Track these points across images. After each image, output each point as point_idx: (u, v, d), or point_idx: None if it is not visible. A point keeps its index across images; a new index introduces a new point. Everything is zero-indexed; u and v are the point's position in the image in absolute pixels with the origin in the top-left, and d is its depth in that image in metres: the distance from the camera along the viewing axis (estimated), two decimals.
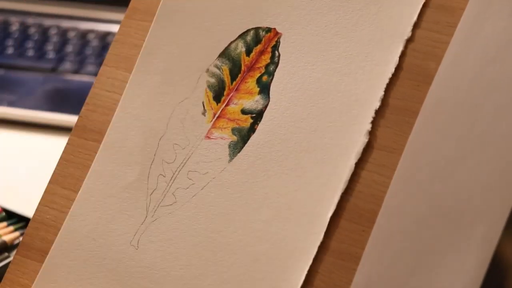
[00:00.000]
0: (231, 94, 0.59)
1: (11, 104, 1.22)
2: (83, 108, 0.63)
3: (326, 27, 0.58)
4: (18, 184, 0.95)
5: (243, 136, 0.58)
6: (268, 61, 0.59)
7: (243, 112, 0.58)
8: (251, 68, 0.59)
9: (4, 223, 0.87)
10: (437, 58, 0.54)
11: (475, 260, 0.49)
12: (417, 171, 0.52)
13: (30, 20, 1.38)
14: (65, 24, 1.22)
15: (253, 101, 0.58)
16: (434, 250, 0.50)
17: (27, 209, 0.84)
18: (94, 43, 1.20)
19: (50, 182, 0.62)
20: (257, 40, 0.60)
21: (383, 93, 0.55)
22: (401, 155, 0.53)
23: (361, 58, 0.56)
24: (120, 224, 0.59)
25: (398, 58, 0.55)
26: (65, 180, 0.62)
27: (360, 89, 0.56)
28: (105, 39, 1.20)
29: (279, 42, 0.59)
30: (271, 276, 0.54)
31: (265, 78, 0.59)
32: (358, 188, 0.54)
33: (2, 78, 1.29)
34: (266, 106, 0.58)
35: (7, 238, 0.84)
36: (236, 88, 0.59)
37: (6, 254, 0.83)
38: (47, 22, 1.37)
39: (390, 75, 0.55)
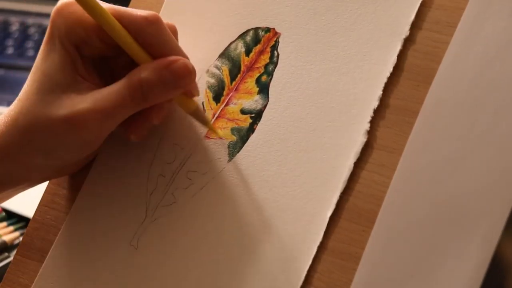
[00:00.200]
0: (230, 94, 0.59)
1: (11, 104, 1.22)
2: None
3: (324, 26, 0.58)
4: None
5: (242, 136, 0.58)
6: (267, 61, 0.59)
7: (243, 112, 0.58)
8: (250, 68, 0.59)
9: (4, 223, 0.87)
10: (437, 58, 0.54)
11: (475, 260, 0.49)
12: (417, 171, 0.52)
13: (30, 20, 1.38)
14: None
15: (252, 101, 0.58)
16: (434, 250, 0.50)
17: (27, 209, 0.84)
18: None
19: (50, 182, 0.62)
20: (256, 40, 0.60)
21: (381, 92, 0.55)
22: (401, 155, 0.53)
23: (360, 57, 0.56)
24: (119, 224, 0.59)
25: (396, 58, 0.55)
26: (65, 180, 0.62)
27: (358, 88, 0.56)
28: None
29: (278, 42, 0.59)
30: (270, 276, 0.54)
31: (264, 78, 0.59)
32: (358, 188, 0.54)
33: (2, 78, 1.30)
34: (265, 106, 0.58)
35: (7, 238, 0.85)
36: (236, 88, 0.59)
37: (6, 254, 0.83)
38: (47, 22, 1.37)
39: (388, 75, 0.55)
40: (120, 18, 0.55)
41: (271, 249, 0.54)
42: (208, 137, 0.59)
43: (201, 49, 0.59)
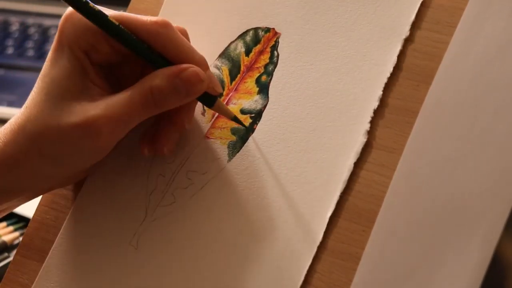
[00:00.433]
0: (230, 94, 0.59)
1: (11, 104, 1.22)
2: None
3: (324, 26, 0.58)
4: None
5: (242, 136, 0.58)
6: (267, 61, 0.59)
7: (242, 112, 0.58)
8: (250, 68, 0.59)
9: (4, 223, 0.87)
10: (437, 58, 0.54)
11: (475, 260, 0.49)
12: (417, 171, 0.52)
13: (30, 20, 1.38)
14: None
15: (252, 101, 0.58)
16: (434, 250, 0.50)
17: (27, 209, 0.84)
18: None
19: None
20: (256, 40, 0.60)
21: (381, 92, 0.55)
22: (401, 155, 0.53)
23: (360, 57, 0.56)
24: (119, 224, 0.59)
25: (396, 58, 0.55)
26: None
27: (358, 88, 0.56)
28: None
29: (278, 42, 0.59)
30: (270, 276, 0.54)
31: (264, 78, 0.59)
32: (358, 188, 0.54)
33: (2, 78, 1.30)
34: (265, 106, 0.58)
35: (7, 238, 0.85)
36: (235, 88, 0.59)
37: (6, 254, 0.83)
38: (47, 22, 1.37)
39: (388, 75, 0.55)
40: (130, 24, 0.55)
41: (271, 249, 0.54)
42: (208, 137, 0.59)
43: (201, 49, 0.59)
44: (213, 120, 0.59)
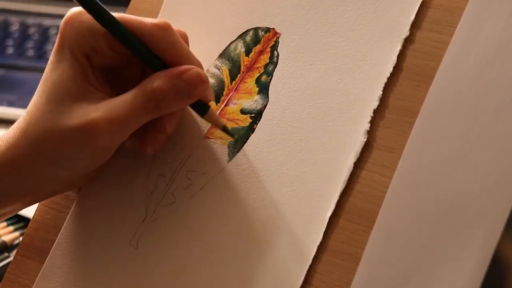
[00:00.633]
0: (230, 94, 0.59)
1: (11, 104, 1.22)
2: None
3: (324, 26, 0.58)
4: None
5: (242, 136, 0.58)
6: (267, 61, 0.59)
7: (242, 112, 0.58)
8: (250, 68, 0.59)
9: (4, 223, 0.87)
10: (437, 58, 0.54)
11: (475, 260, 0.49)
12: (417, 171, 0.52)
13: (30, 20, 1.38)
14: None
15: (252, 101, 0.58)
16: (434, 250, 0.50)
17: (27, 209, 0.84)
18: None
19: None
20: (256, 40, 0.60)
21: (381, 92, 0.55)
22: (401, 155, 0.53)
23: (360, 57, 0.56)
24: (119, 224, 0.59)
25: (396, 58, 0.55)
26: None
27: (358, 88, 0.56)
28: None
29: (278, 42, 0.59)
30: (270, 276, 0.54)
31: (264, 78, 0.59)
32: (358, 188, 0.54)
33: (2, 78, 1.30)
34: (265, 106, 0.58)
35: (7, 238, 0.85)
36: (235, 88, 0.59)
37: (6, 254, 0.83)
38: (47, 22, 1.37)
39: (388, 75, 0.55)
40: (131, 26, 0.55)
41: (271, 249, 0.54)
42: (208, 137, 0.59)
43: (201, 49, 0.59)
44: None
